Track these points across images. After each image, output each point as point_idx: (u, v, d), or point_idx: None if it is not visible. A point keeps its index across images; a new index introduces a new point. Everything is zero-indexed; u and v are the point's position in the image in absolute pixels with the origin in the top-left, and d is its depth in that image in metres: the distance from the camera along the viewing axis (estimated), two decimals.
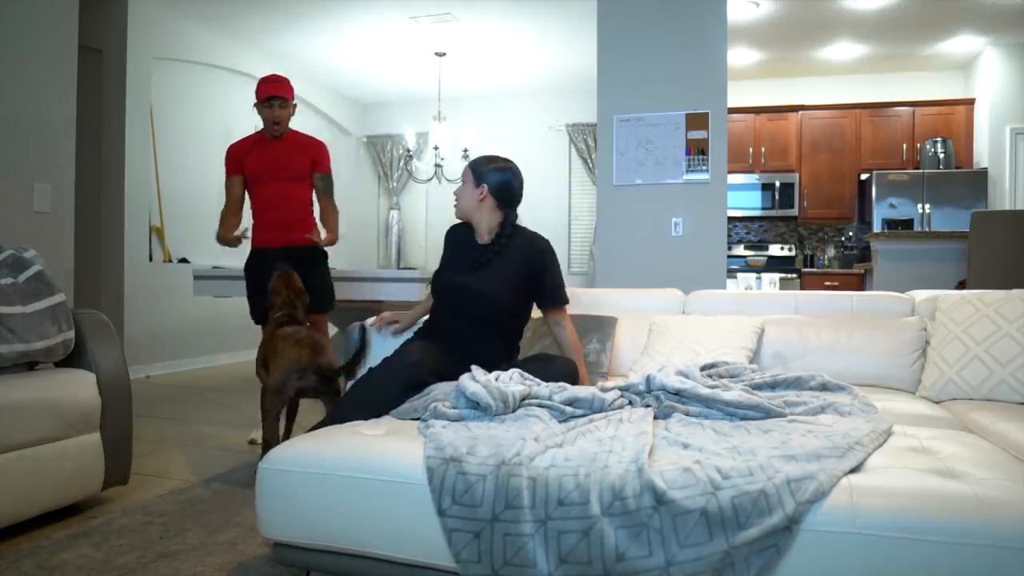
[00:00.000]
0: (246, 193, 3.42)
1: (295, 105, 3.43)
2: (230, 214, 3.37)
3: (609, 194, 4.60)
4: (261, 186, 3.37)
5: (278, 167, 3.35)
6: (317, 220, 3.49)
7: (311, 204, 3.47)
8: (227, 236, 3.29)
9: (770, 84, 7.25)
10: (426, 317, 2.59)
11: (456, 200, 2.46)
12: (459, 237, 2.52)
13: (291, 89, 3.39)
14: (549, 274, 2.40)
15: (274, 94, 3.30)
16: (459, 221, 2.52)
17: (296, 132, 3.46)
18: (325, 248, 3.41)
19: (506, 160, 2.46)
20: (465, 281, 2.36)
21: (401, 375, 2.11)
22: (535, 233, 2.47)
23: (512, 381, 1.97)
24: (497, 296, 2.33)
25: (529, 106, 8.01)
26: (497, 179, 2.39)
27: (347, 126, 8.42)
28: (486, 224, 2.42)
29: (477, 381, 1.88)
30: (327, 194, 3.48)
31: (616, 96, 4.57)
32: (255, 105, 3.36)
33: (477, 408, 1.82)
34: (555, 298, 2.43)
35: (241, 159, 3.37)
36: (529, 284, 2.38)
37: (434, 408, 1.85)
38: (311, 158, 3.42)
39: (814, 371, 2.27)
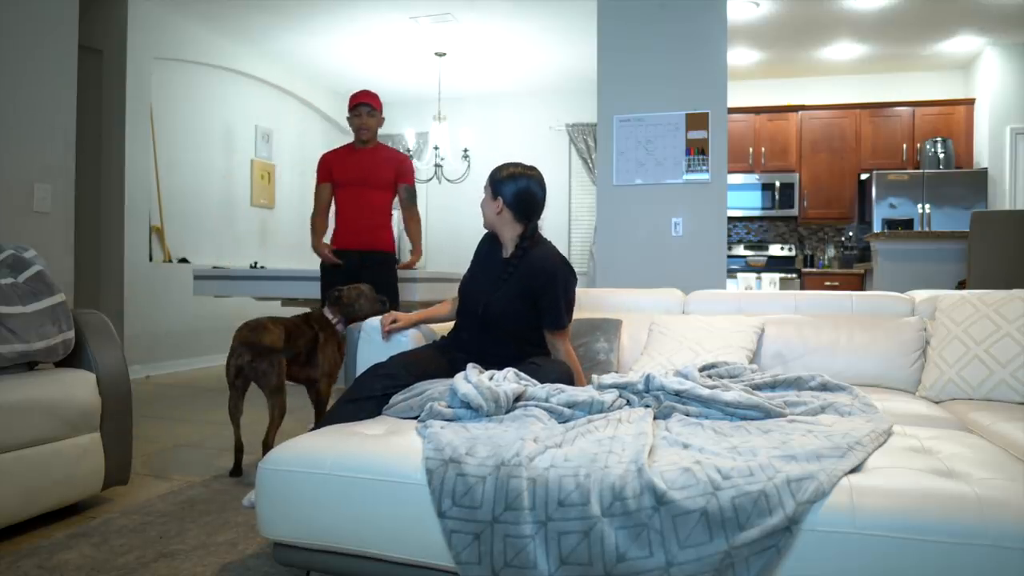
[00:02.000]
0: (332, 199, 3.76)
1: (383, 118, 3.77)
2: (319, 218, 3.73)
3: (609, 194, 4.60)
4: (346, 191, 3.68)
5: (363, 175, 3.66)
6: (396, 228, 3.91)
7: (390, 212, 3.79)
8: (319, 245, 3.67)
9: (770, 84, 7.25)
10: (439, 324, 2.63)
11: (481, 210, 2.43)
12: (486, 248, 2.50)
13: (379, 101, 3.72)
14: (548, 296, 2.32)
15: (361, 101, 3.62)
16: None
17: (383, 145, 3.79)
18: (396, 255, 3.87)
19: (524, 168, 2.39)
20: (482, 299, 2.35)
21: (384, 377, 2.15)
22: (551, 250, 2.39)
23: (506, 380, 1.97)
24: (507, 314, 2.32)
25: (529, 106, 8.01)
26: (512, 190, 2.34)
27: (347, 126, 8.41)
28: (507, 236, 2.39)
29: (469, 381, 1.88)
30: (412, 204, 3.82)
31: (616, 96, 4.57)
32: (347, 118, 3.71)
33: (471, 408, 1.83)
34: (549, 320, 2.34)
35: (331, 167, 3.71)
36: (534, 301, 2.34)
37: (430, 408, 1.85)
38: (395, 169, 3.73)
39: (814, 371, 2.27)
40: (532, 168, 2.41)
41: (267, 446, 2.77)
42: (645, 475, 1.38)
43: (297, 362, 2.97)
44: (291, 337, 2.93)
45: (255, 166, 6.87)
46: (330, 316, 3.12)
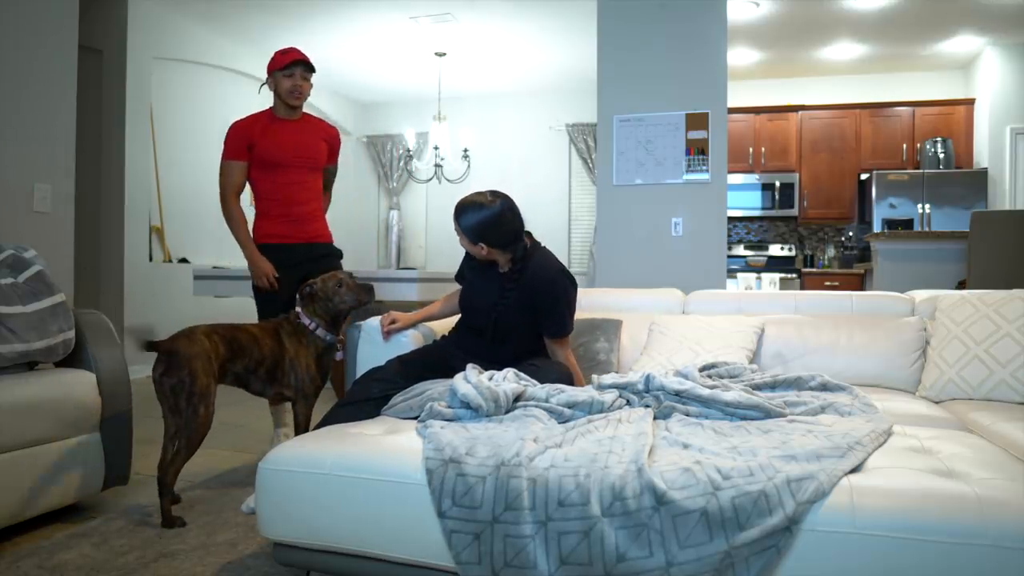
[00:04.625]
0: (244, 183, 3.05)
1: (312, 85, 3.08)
2: (235, 206, 2.99)
3: (609, 194, 4.60)
4: (275, 173, 2.99)
5: (298, 153, 3.00)
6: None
7: (322, 196, 3.19)
8: (257, 259, 2.94)
9: (770, 84, 7.25)
10: (438, 322, 2.62)
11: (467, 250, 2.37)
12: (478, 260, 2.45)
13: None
14: (550, 305, 2.31)
15: (299, 58, 2.94)
16: None
17: (308, 114, 3.13)
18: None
19: (483, 198, 2.26)
20: (485, 314, 2.34)
21: (381, 381, 2.17)
22: (548, 259, 2.36)
23: (506, 380, 1.97)
24: (515, 327, 2.34)
25: (529, 106, 8.00)
26: (486, 233, 2.25)
27: (347, 126, 8.42)
28: (501, 261, 2.36)
29: (469, 381, 1.88)
30: (329, 187, 3.24)
31: (616, 96, 4.56)
32: (270, 77, 3.00)
33: (471, 408, 1.83)
34: (552, 329, 2.34)
35: (251, 141, 2.96)
36: (537, 312, 2.34)
37: (430, 408, 1.85)
38: (329, 145, 3.14)
39: (814, 371, 2.27)
40: (491, 195, 2.27)
41: (160, 482, 2.25)
42: (645, 475, 1.38)
43: (257, 377, 2.49)
44: (237, 350, 2.42)
45: None
46: (306, 321, 2.59)
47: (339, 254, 3.20)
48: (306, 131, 3.06)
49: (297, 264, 2.96)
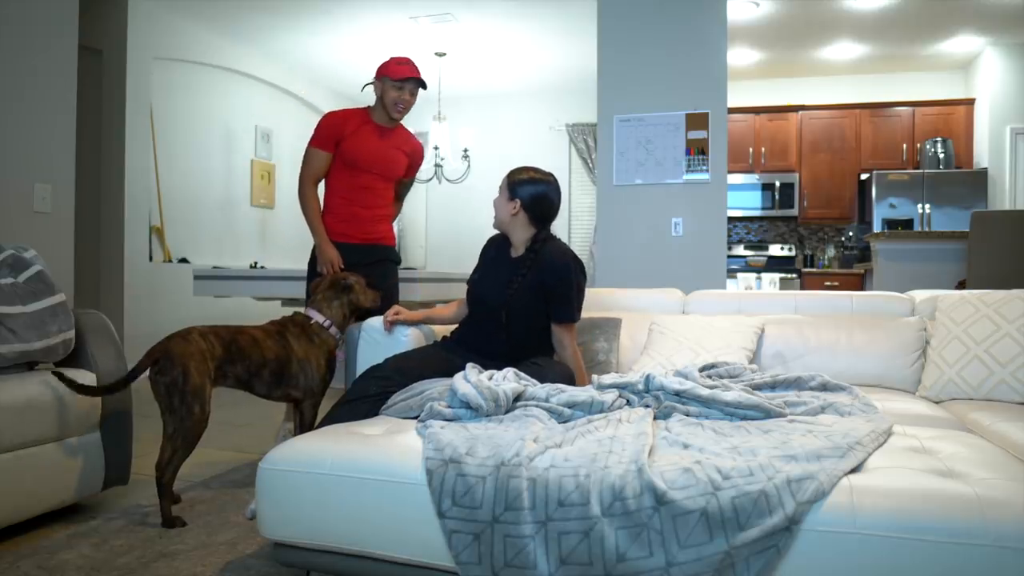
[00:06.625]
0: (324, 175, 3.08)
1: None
2: (312, 190, 3.04)
3: (609, 194, 4.60)
4: (352, 174, 3.01)
5: (384, 163, 3.06)
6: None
7: (392, 205, 3.25)
8: (328, 248, 2.96)
9: (770, 84, 7.25)
10: (444, 325, 2.63)
11: (494, 209, 2.45)
12: (493, 253, 2.51)
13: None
14: (559, 290, 2.35)
15: (414, 76, 2.95)
16: (496, 232, 2.53)
17: (402, 125, 3.16)
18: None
19: (544, 174, 2.43)
20: (492, 297, 2.37)
21: (381, 380, 2.17)
22: (562, 249, 2.41)
23: (506, 380, 1.97)
24: (524, 312, 2.36)
25: (529, 106, 8.00)
26: (530, 194, 2.37)
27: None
28: (519, 237, 2.43)
29: (468, 381, 1.88)
30: (401, 198, 3.30)
31: (616, 96, 4.57)
32: (377, 81, 2.99)
33: (471, 408, 1.83)
34: (560, 313, 2.36)
35: (341, 137, 2.98)
36: (547, 297, 2.37)
37: (430, 408, 1.85)
38: (410, 160, 3.18)
39: (814, 371, 2.27)
40: (550, 175, 2.44)
41: (159, 482, 2.25)
42: (645, 475, 1.38)
43: (261, 379, 2.47)
44: (236, 352, 2.40)
45: (255, 166, 6.86)
46: (320, 319, 2.60)
47: (396, 260, 3.23)
48: (393, 141, 3.08)
49: (353, 264, 2.96)
